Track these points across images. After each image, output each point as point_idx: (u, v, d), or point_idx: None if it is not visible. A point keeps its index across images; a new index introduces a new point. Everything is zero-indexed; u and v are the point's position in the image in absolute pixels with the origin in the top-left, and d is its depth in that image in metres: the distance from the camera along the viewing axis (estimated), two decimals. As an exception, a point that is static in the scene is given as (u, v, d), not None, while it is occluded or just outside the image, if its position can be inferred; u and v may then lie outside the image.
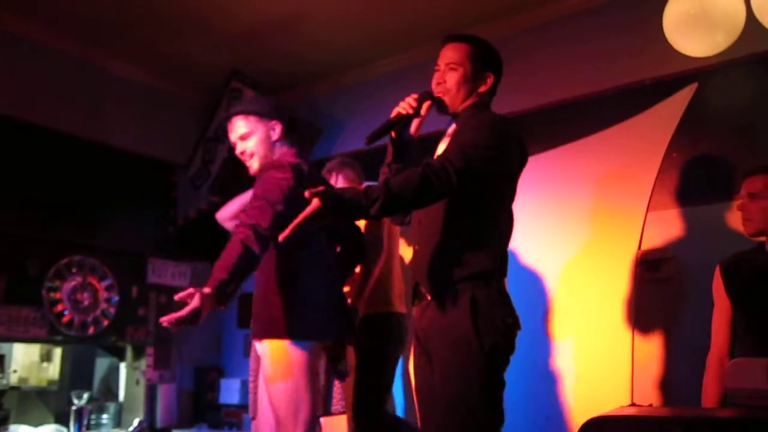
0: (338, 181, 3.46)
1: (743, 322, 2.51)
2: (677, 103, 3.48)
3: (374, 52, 4.57)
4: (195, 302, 2.07)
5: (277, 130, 2.59)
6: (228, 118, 2.64)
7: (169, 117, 4.96)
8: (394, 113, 2.21)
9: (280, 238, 1.97)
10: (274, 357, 2.40)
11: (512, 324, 2.09)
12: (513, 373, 3.31)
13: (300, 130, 4.82)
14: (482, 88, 2.23)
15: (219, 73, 4.67)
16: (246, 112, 2.60)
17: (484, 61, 2.25)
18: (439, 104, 2.22)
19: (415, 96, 2.22)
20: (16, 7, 4.04)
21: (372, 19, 4.19)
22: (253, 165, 2.59)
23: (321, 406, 2.94)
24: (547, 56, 3.98)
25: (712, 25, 2.84)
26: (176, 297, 2.12)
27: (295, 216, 1.93)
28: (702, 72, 3.40)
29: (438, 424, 2.07)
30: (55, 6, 4.04)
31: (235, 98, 4.56)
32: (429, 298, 2.15)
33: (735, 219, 3.24)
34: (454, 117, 2.25)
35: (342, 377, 2.84)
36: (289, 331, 2.38)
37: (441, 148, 2.24)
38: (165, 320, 2.08)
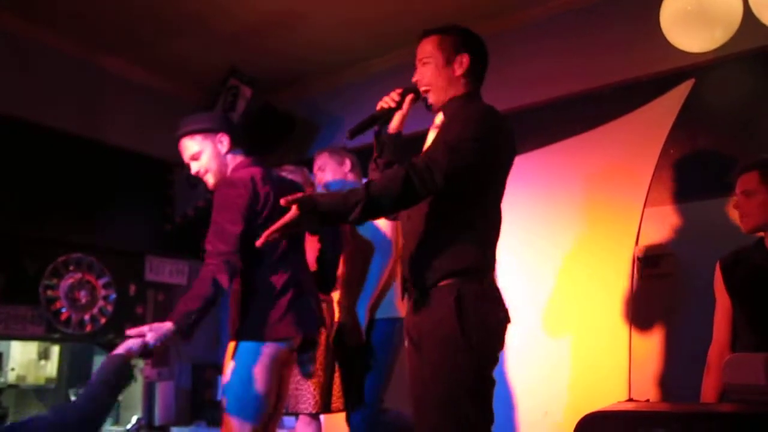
0: (326, 174, 3.45)
1: (743, 319, 2.51)
2: (674, 99, 3.48)
3: (371, 50, 4.57)
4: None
5: (225, 142, 2.60)
6: (177, 141, 2.66)
7: (166, 115, 4.93)
8: (377, 108, 2.22)
9: (257, 243, 1.98)
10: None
11: (502, 319, 2.07)
12: (511, 369, 3.32)
13: (297, 128, 4.85)
14: (459, 71, 2.19)
15: (217, 71, 4.66)
16: (190, 132, 2.62)
17: (454, 44, 2.21)
18: (423, 98, 2.22)
19: (398, 90, 2.23)
20: (13, 6, 4.04)
21: (369, 17, 4.19)
22: (210, 181, 2.63)
23: (285, 405, 3.02)
24: (543, 53, 3.98)
25: (709, 20, 2.85)
26: (128, 332, 2.23)
27: (274, 223, 1.95)
28: (699, 68, 3.41)
29: (429, 422, 2.06)
30: (53, 5, 4.03)
31: (233, 96, 4.55)
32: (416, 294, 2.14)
33: (733, 214, 3.25)
34: (443, 108, 2.22)
35: (308, 376, 3.00)
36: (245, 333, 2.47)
37: (430, 137, 2.22)
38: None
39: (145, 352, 2.21)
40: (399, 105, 2.23)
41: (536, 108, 3.92)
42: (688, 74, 3.45)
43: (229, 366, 2.47)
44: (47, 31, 4.28)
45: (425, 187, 1.95)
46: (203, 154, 2.59)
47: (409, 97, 2.23)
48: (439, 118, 2.23)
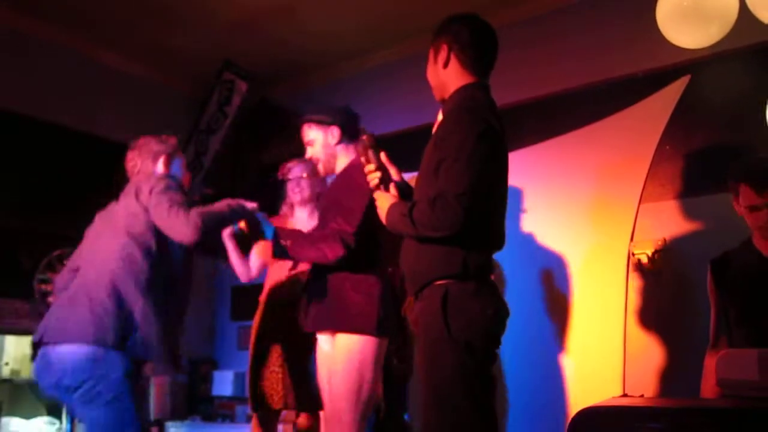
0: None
1: (735, 318, 2.52)
2: (670, 95, 3.48)
3: (368, 44, 4.56)
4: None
5: (335, 135, 2.71)
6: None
7: (161, 108, 4.94)
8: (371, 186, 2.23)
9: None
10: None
11: (491, 315, 2.04)
12: (506, 365, 3.31)
13: (291, 122, 4.84)
14: (441, 64, 2.18)
15: (211, 64, 4.65)
16: (308, 121, 2.77)
17: (438, 38, 2.20)
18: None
19: (370, 170, 2.22)
20: (5, -1, 4.03)
21: (366, 11, 4.18)
22: (319, 168, 2.79)
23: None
24: (540, 48, 3.98)
25: (705, 16, 2.84)
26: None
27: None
28: (695, 64, 3.41)
29: (425, 421, 2.06)
30: (45, -3, 4.02)
31: (228, 90, 4.54)
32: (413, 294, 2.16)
33: (728, 211, 3.26)
34: (442, 102, 2.23)
35: None
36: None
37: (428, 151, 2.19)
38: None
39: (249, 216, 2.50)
40: (386, 174, 2.23)
41: (532, 104, 3.92)
42: (684, 70, 3.45)
43: (346, 357, 2.46)
44: (41, 24, 4.26)
45: (439, 233, 2.02)
46: (316, 142, 2.74)
47: (383, 156, 2.24)
48: (440, 115, 2.23)
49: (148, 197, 2.53)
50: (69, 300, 2.48)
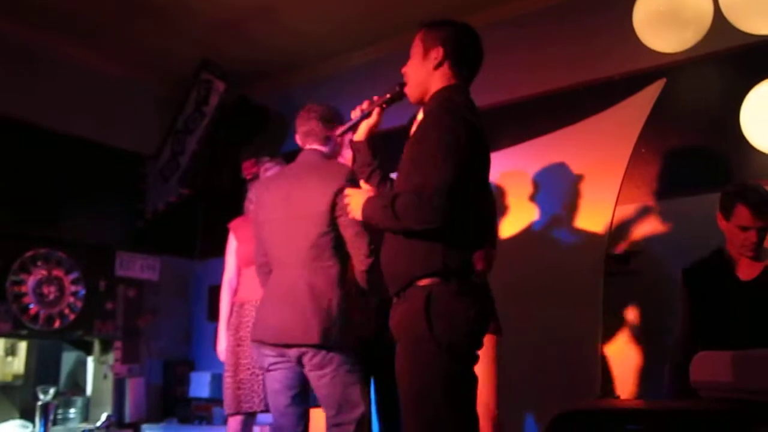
0: None
1: (705, 324, 2.63)
2: (646, 99, 3.51)
3: (347, 44, 4.55)
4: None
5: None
6: None
7: (137, 108, 4.89)
8: (351, 116, 2.32)
9: None
10: None
11: (472, 317, 2.03)
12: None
13: (271, 122, 4.82)
14: (432, 64, 2.19)
15: (190, 63, 4.61)
16: None
17: (433, 38, 2.21)
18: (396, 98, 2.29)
19: (367, 101, 2.33)
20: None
21: (345, 10, 4.17)
22: None
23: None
24: (517, 50, 3.99)
25: (680, 21, 2.89)
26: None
27: None
28: (670, 68, 3.45)
29: (405, 418, 2.06)
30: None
31: (206, 90, 4.51)
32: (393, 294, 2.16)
33: (701, 213, 3.30)
34: (423, 104, 2.24)
35: None
36: None
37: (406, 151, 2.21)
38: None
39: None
40: (367, 114, 2.31)
41: (508, 106, 3.94)
42: (660, 74, 3.49)
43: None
44: (12, 21, 4.19)
45: (422, 226, 2.02)
46: None
47: (377, 108, 2.30)
48: (420, 115, 2.24)
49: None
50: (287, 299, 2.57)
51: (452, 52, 2.19)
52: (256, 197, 2.99)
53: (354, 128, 2.38)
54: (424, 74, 2.21)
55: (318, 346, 2.53)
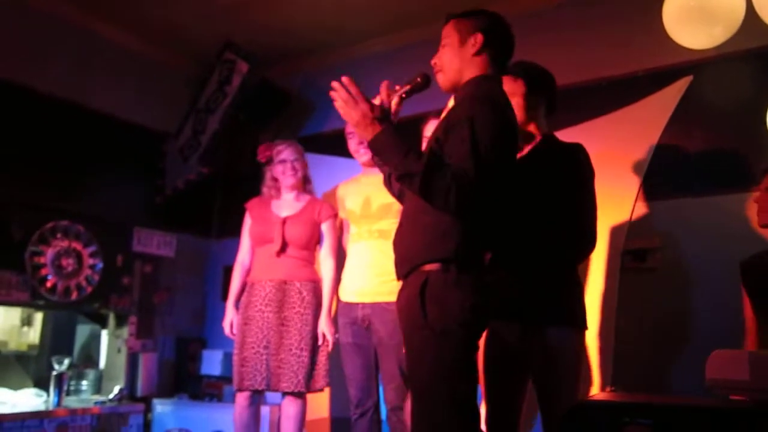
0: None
1: (763, 319, 2.56)
2: (671, 95, 3.49)
3: (371, 29, 4.53)
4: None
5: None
6: None
7: (160, 85, 4.91)
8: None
9: None
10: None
11: (468, 307, 2.01)
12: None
13: (292, 106, 4.82)
14: (472, 51, 2.19)
15: (212, 43, 4.61)
16: None
17: (470, 25, 2.22)
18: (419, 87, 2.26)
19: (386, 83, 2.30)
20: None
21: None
22: None
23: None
24: (542, 43, 3.94)
25: (711, 17, 2.85)
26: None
27: None
28: (698, 65, 3.41)
29: (413, 408, 2.09)
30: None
31: (229, 70, 4.51)
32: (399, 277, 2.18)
33: (723, 212, 3.28)
34: (456, 91, 2.25)
35: None
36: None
37: (430, 129, 2.22)
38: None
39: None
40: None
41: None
42: (687, 70, 3.46)
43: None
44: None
45: (455, 203, 1.96)
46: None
47: (396, 98, 2.28)
48: (452, 102, 2.25)
49: None
50: None
51: (491, 39, 2.20)
52: None
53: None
54: (459, 62, 2.21)
55: None
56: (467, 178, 1.94)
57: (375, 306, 3.18)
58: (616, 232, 3.42)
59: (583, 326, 2.44)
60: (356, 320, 3.24)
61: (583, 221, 2.43)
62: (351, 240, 3.41)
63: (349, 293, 3.32)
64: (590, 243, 2.46)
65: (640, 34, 3.54)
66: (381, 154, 2.09)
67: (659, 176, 3.47)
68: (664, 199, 3.46)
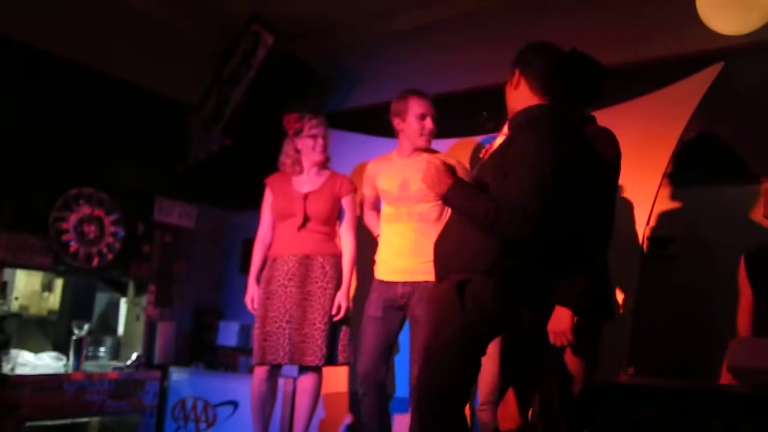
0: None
1: (765, 313, 2.55)
2: (701, 81, 3.43)
3: (396, 6, 4.50)
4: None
5: None
6: None
7: (185, 56, 4.90)
8: None
9: None
10: None
11: (503, 313, 2.22)
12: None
13: (316, 82, 4.80)
14: (514, 86, 2.38)
15: (238, 14, 4.59)
16: None
17: (512, 64, 2.41)
18: None
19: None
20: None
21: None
22: None
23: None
24: (576, 27, 3.91)
25: (746, 3, 2.80)
26: None
27: None
28: (729, 51, 3.36)
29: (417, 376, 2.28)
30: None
31: (254, 42, 4.50)
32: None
33: (745, 202, 3.24)
34: (509, 120, 2.44)
35: None
36: None
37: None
38: None
39: None
40: None
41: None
42: (718, 57, 3.40)
43: None
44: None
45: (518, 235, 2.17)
46: None
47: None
48: (506, 129, 2.46)
49: None
50: None
51: (523, 70, 2.37)
52: None
53: None
54: (512, 101, 2.42)
55: None
56: (529, 211, 2.12)
57: (417, 285, 3.21)
58: (637, 218, 3.39)
59: (609, 314, 2.46)
60: (394, 297, 3.26)
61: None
62: (386, 219, 3.41)
63: (389, 272, 3.34)
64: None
65: (672, 19, 3.49)
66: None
67: (684, 163, 3.44)
68: (689, 186, 3.42)
